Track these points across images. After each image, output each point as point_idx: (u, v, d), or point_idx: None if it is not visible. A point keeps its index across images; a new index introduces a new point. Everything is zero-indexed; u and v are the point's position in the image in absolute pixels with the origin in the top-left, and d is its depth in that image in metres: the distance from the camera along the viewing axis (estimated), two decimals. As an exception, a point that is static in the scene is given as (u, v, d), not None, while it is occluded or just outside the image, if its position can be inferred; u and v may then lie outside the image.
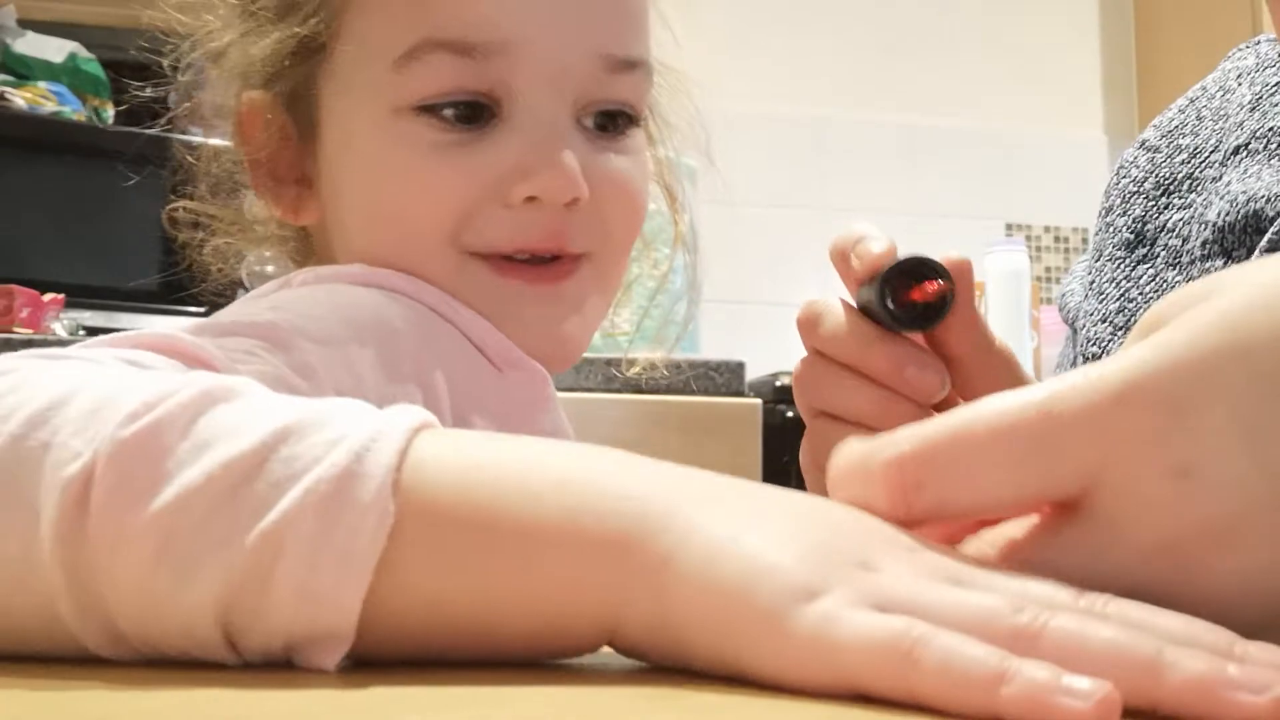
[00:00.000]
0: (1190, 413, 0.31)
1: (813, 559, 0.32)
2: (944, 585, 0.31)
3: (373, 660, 0.35)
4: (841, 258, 0.55)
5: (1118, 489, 0.32)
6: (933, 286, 0.51)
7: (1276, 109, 0.72)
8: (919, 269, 0.51)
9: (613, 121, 0.66)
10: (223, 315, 0.55)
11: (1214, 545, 0.32)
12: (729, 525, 0.33)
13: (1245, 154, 0.71)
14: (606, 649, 0.35)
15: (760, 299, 2.57)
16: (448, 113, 0.62)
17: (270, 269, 0.73)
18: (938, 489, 0.34)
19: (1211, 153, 0.74)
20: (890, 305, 0.52)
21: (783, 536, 0.32)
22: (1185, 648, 0.29)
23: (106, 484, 0.34)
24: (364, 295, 0.60)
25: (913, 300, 0.51)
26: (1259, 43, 0.79)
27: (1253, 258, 0.66)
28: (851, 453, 0.36)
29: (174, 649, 0.35)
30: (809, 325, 0.57)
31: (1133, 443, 0.32)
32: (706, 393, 1.84)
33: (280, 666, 0.35)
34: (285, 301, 0.58)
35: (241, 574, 0.33)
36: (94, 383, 0.38)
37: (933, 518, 0.34)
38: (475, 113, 0.62)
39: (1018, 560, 0.34)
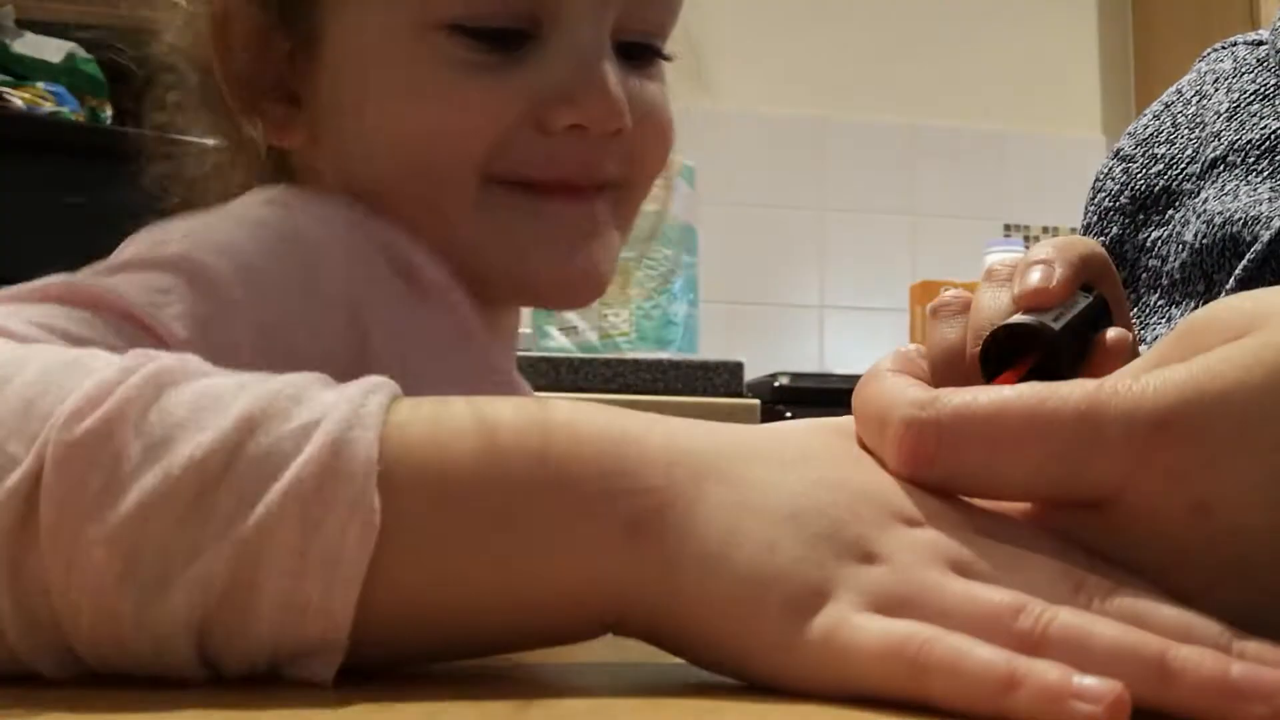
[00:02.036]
0: (1223, 451, 0.31)
1: (815, 556, 0.32)
2: (947, 576, 0.31)
3: (364, 666, 0.35)
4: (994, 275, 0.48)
5: (1136, 509, 0.32)
6: (1024, 366, 0.44)
7: (1254, 119, 0.70)
8: (1018, 338, 0.44)
9: (640, 51, 0.61)
10: (128, 249, 0.52)
11: (1216, 579, 0.32)
12: (729, 514, 0.33)
13: (1223, 167, 0.70)
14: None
15: (759, 299, 2.57)
16: (479, 34, 0.57)
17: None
18: (952, 468, 0.33)
19: (1189, 164, 0.73)
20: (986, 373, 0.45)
21: (784, 527, 0.32)
22: (1188, 646, 0.29)
23: (57, 496, 0.31)
24: (272, 212, 0.56)
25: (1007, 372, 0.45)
26: (1235, 44, 0.78)
27: (1229, 285, 0.66)
28: (879, 394, 0.35)
29: (139, 669, 0.33)
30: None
31: (1161, 470, 0.31)
32: (705, 393, 1.84)
33: (276, 676, 0.34)
34: (191, 228, 0.54)
35: (219, 588, 0.31)
36: (21, 370, 0.34)
37: (939, 489, 0.34)
38: (508, 36, 0.57)
39: (1027, 519, 0.34)
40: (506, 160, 0.58)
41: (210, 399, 0.33)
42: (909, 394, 0.34)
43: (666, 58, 0.63)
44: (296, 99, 0.62)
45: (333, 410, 0.33)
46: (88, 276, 0.46)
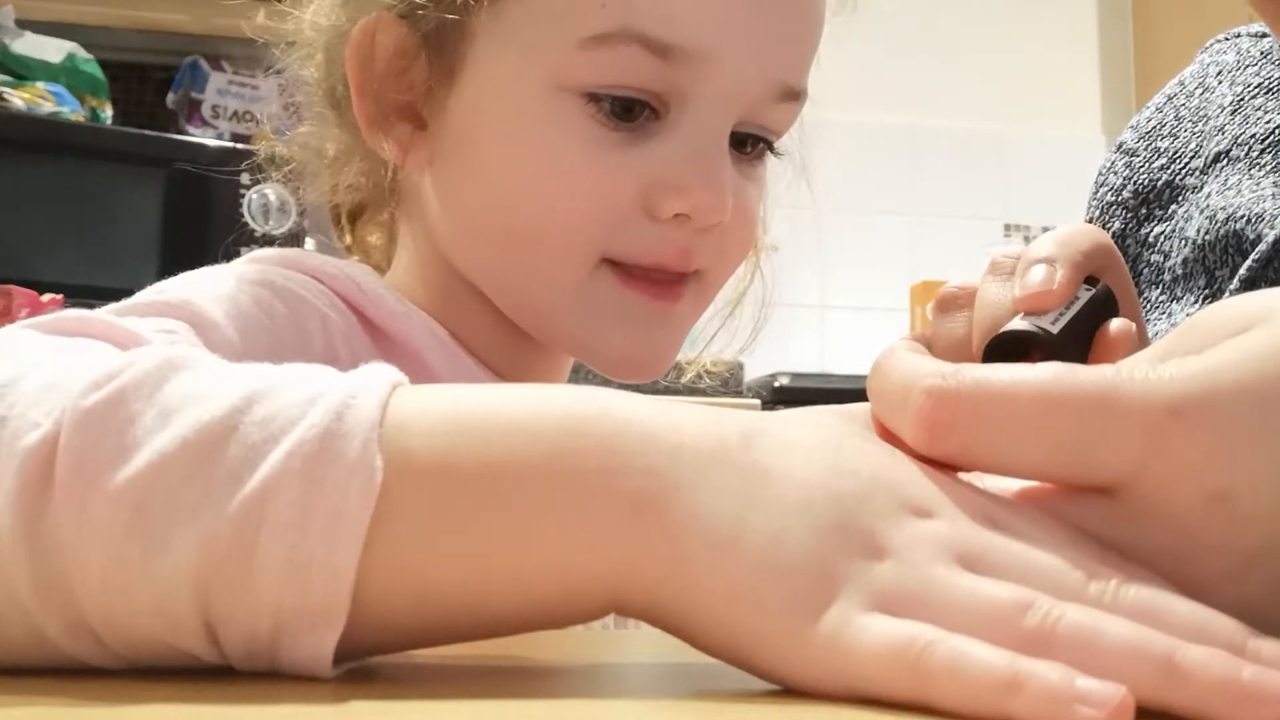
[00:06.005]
0: (1241, 440, 0.31)
1: (824, 550, 0.31)
2: (955, 572, 0.31)
3: (364, 665, 0.35)
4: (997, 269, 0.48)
5: (1150, 496, 0.32)
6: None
7: (1258, 113, 0.70)
8: (1022, 343, 0.44)
9: (752, 142, 0.63)
10: (140, 295, 0.53)
11: (1231, 569, 0.32)
12: (737, 500, 0.32)
13: (1226, 161, 0.69)
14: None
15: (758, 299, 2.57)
16: (612, 105, 0.58)
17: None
18: (966, 438, 0.33)
19: (1192, 158, 0.73)
20: None
21: (794, 516, 0.32)
22: (1198, 647, 0.29)
23: (71, 454, 0.32)
24: (264, 270, 0.58)
25: None
26: (1239, 36, 0.77)
27: (1233, 284, 0.66)
28: (900, 367, 0.35)
29: (142, 637, 0.33)
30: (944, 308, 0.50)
31: (1176, 456, 0.31)
32: (704, 393, 1.84)
33: (276, 677, 0.33)
34: (189, 280, 0.56)
35: (223, 543, 0.32)
36: (46, 360, 0.36)
37: (953, 463, 0.34)
38: (635, 108, 0.59)
39: (1036, 506, 0.34)
40: (620, 243, 0.59)
41: (221, 377, 0.35)
42: (932, 365, 0.35)
43: (777, 154, 0.65)
44: (423, 123, 0.62)
45: (337, 384, 0.34)
46: (99, 314, 0.47)
